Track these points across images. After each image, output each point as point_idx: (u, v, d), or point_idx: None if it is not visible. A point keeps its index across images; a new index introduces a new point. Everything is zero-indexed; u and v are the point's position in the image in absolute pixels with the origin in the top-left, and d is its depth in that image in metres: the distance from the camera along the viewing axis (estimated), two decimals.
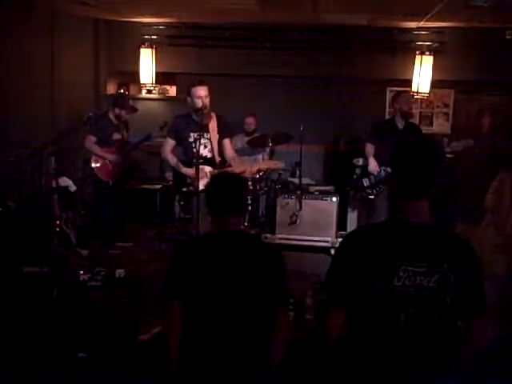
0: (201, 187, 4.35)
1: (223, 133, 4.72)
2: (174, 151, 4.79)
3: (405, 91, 5.91)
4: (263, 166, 5.14)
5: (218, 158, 4.71)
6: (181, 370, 2.29)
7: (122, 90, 7.44)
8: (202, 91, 4.49)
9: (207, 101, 4.50)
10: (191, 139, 4.59)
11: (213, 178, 2.99)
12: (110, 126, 5.51)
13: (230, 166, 4.73)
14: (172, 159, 4.75)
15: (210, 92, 4.54)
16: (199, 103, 4.47)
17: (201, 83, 4.52)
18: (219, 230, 2.43)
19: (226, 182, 2.51)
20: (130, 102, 5.74)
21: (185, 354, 2.30)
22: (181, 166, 4.67)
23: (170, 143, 4.74)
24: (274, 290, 2.33)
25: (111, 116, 5.52)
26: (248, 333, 2.29)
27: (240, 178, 2.64)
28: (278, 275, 2.37)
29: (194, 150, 4.41)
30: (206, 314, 2.30)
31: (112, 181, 5.49)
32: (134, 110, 5.81)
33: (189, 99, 4.58)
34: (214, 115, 4.66)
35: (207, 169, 4.60)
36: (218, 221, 2.43)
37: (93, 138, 5.44)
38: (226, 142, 4.75)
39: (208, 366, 2.26)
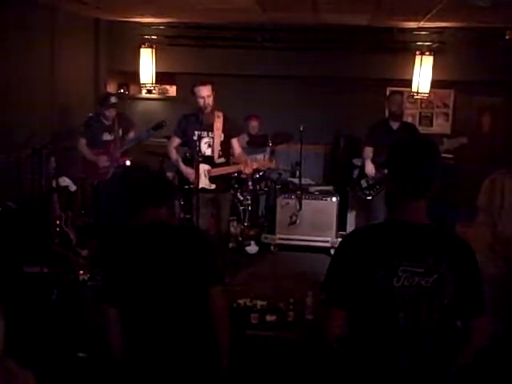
0: (200, 186, 4.52)
1: (230, 132, 4.75)
2: (177, 149, 4.85)
3: (396, 92, 5.92)
4: (257, 165, 4.98)
5: (217, 158, 4.71)
6: (127, 372, 2.30)
7: (122, 90, 7.46)
8: (203, 91, 4.51)
9: (210, 100, 4.53)
10: (195, 137, 4.66)
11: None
12: (100, 126, 5.49)
13: (228, 164, 4.81)
14: (173, 156, 4.81)
15: (215, 91, 4.57)
16: (201, 102, 4.53)
17: (203, 83, 4.54)
18: (139, 223, 2.40)
19: (143, 177, 2.50)
20: (129, 102, 5.69)
21: (130, 356, 2.30)
22: (180, 163, 4.75)
23: (175, 141, 4.81)
24: (203, 269, 2.32)
25: (101, 117, 5.51)
26: (188, 319, 2.29)
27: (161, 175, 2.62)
28: (204, 255, 2.35)
29: (197, 148, 4.54)
30: (143, 310, 2.29)
31: (97, 181, 5.51)
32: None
33: (194, 98, 4.61)
34: (220, 114, 4.69)
35: (205, 167, 4.63)
36: (139, 214, 2.40)
37: (83, 140, 5.45)
38: (234, 141, 4.81)
39: (155, 363, 2.25)
